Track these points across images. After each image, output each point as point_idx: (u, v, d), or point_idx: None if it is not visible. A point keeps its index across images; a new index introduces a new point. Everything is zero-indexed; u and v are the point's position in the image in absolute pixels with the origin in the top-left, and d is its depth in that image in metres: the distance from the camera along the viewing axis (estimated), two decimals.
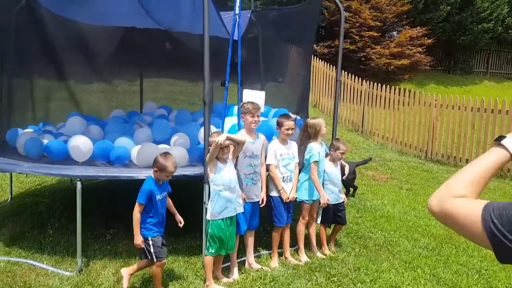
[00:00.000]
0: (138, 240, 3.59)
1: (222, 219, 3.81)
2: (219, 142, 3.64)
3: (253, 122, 4.08)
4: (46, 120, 6.00)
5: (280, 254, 4.57)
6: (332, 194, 4.71)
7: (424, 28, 17.34)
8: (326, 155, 4.77)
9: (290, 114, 5.55)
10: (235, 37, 4.50)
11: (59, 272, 4.11)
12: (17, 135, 5.03)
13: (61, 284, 3.90)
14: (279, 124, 4.36)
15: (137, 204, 3.58)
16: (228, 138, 3.76)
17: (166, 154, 3.69)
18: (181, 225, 3.89)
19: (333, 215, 4.77)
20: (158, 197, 3.65)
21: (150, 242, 3.63)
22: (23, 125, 5.59)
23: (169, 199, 3.88)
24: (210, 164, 3.77)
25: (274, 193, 4.35)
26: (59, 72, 5.77)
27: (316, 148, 4.53)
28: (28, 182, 6.91)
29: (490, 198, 7.29)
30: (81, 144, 4.49)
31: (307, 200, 4.53)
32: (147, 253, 3.66)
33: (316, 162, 4.46)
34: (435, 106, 10.19)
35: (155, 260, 3.66)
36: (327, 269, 4.30)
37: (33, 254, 4.46)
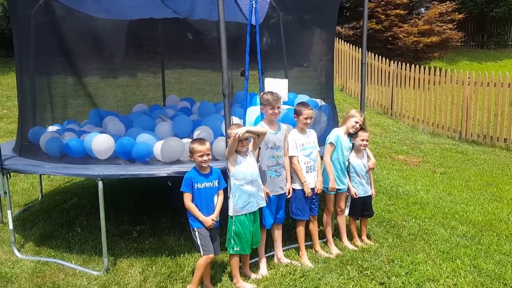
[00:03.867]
0: (208, 222, 3.56)
1: (245, 214, 3.68)
2: (238, 135, 3.49)
3: (273, 114, 3.91)
4: (71, 118, 5.98)
5: (310, 247, 4.41)
6: (361, 186, 4.54)
7: (454, 3, 16.61)
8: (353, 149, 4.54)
9: (317, 100, 5.37)
10: (253, 23, 4.31)
11: (87, 271, 4.10)
12: (40, 134, 5.02)
13: (88, 284, 3.89)
14: (297, 113, 4.17)
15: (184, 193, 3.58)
16: (247, 131, 3.61)
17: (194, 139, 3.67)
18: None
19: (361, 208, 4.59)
20: (198, 185, 3.56)
21: (196, 234, 3.58)
22: (47, 124, 5.59)
23: (221, 196, 3.70)
24: (230, 158, 3.63)
25: (296, 186, 4.17)
26: (80, 69, 5.75)
27: (336, 132, 4.43)
28: (58, 180, 6.98)
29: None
30: (101, 142, 4.43)
31: (327, 188, 4.37)
32: (196, 245, 3.62)
33: (332, 144, 4.35)
34: (468, 84, 9.71)
35: (201, 253, 3.60)
36: (359, 262, 4.12)
37: (61, 254, 4.47)
